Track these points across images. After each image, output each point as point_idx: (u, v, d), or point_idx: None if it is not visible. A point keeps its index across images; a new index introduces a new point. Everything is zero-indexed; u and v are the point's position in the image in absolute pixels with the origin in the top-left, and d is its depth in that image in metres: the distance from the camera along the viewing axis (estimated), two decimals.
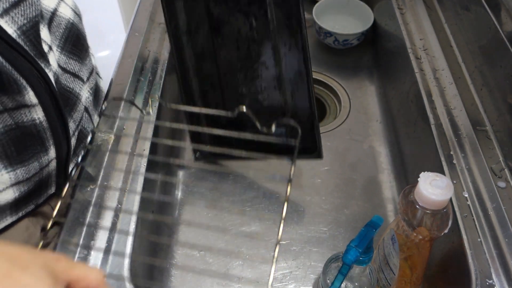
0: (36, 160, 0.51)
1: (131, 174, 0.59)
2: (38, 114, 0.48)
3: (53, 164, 0.54)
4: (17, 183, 0.50)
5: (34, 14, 0.46)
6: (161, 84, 0.73)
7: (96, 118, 0.64)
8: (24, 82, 0.44)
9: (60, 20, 0.54)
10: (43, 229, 0.57)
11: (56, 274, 0.30)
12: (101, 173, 0.59)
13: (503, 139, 0.65)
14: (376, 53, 1.01)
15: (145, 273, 0.60)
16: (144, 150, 0.63)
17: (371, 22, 0.97)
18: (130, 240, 0.53)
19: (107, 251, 0.52)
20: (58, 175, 0.55)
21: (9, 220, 0.52)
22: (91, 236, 0.53)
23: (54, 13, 0.53)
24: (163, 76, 0.74)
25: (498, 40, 0.68)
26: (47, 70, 0.47)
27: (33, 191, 0.53)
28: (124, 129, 0.64)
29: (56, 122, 0.50)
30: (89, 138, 0.59)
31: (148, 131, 0.65)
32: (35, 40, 0.46)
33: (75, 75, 0.57)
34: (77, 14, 0.59)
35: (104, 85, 0.71)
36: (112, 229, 0.54)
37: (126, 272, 0.51)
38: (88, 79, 0.61)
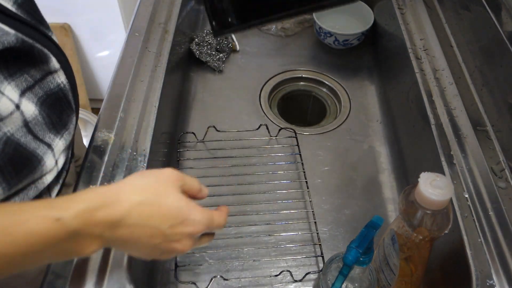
0: (70, 122, 0.54)
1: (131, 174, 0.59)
2: (61, 78, 0.51)
3: (74, 125, 0.57)
4: (65, 149, 0.53)
5: None
6: (162, 83, 0.73)
7: None
8: (46, 51, 0.47)
9: None
10: None
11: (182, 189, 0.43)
12: (101, 173, 0.59)
13: (503, 139, 0.65)
14: (376, 53, 1.01)
15: (145, 273, 0.60)
16: (144, 150, 0.63)
17: (371, 22, 0.97)
18: None
19: (107, 251, 0.52)
20: (72, 140, 0.58)
21: (58, 186, 0.55)
22: None
23: None
24: (163, 76, 0.74)
25: (498, 40, 0.68)
26: (50, 34, 0.49)
27: (67, 158, 0.56)
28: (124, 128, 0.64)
29: (74, 82, 0.54)
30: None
31: (148, 131, 0.65)
32: (32, 10, 0.47)
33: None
34: None
35: (104, 85, 0.71)
36: None
37: (126, 272, 0.51)
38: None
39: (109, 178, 0.59)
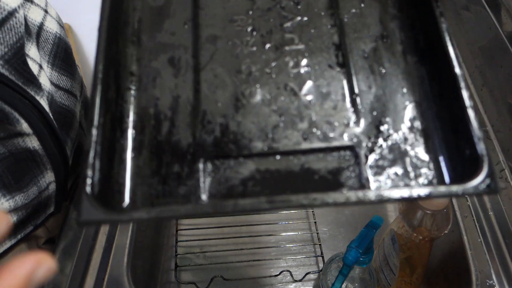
0: (34, 185, 0.49)
1: None
2: (33, 143, 0.47)
3: (52, 187, 0.53)
4: (15, 209, 0.49)
5: (15, 39, 0.42)
6: None
7: None
8: (16, 115, 0.43)
9: (47, 36, 0.51)
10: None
11: None
12: None
13: (503, 140, 0.65)
14: None
15: (145, 273, 0.60)
16: None
17: None
18: (130, 240, 0.53)
19: (107, 251, 0.52)
20: (57, 195, 0.54)
21: (8, 244, 0.51)
22: (91, 236, 0.53)
23: (41, 27, 0.50)
24: None
25: (498, 40, 0.68)
26: (38, 97, 0.45)
27: (32, 213, 0.52)
28: None
29: (53, 149, 0.48)
30: None
31: None
32: (21, 67, 0.43)
33: (69, 92, 0.55)
34: (62, 27, 0.55)
35: None
36: (112, 229, 0.54)
37: (126, 272, 0.51)
38: (81, 94, 0.60)
39: None
